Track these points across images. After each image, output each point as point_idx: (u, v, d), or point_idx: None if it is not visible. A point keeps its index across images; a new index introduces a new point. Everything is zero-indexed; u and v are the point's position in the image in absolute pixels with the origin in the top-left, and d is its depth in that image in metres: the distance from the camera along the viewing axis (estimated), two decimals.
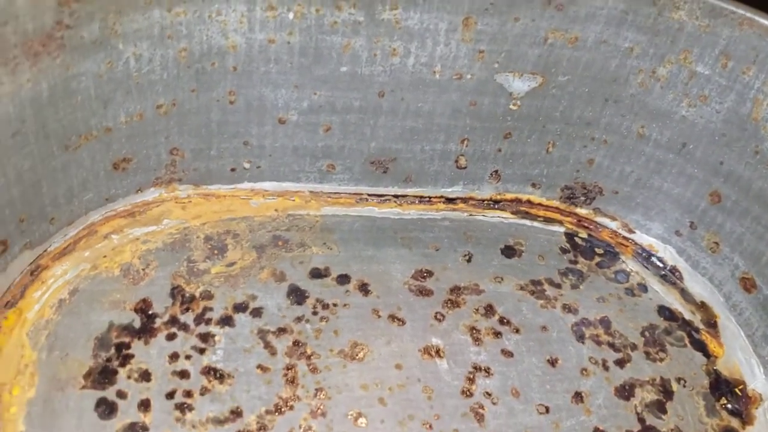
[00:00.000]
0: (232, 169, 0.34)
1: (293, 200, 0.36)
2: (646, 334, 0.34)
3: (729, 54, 0.30)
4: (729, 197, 0.33)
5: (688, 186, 0.34)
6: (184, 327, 0.30)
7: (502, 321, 0.33)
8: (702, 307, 0.35)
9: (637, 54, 0.31)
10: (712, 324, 0.35)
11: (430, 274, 0.34)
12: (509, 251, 0.36)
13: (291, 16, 0.29)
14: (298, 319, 0.32)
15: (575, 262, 0.36)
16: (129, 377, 0.29)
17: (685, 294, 0.36)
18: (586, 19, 0.31)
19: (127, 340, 0.30)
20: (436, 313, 0.33)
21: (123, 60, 0.28)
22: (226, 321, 0.31)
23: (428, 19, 0.30)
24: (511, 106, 0.34)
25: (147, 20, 0.27)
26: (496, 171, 0.36)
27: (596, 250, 0.37)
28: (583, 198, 0.37)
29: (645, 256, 0.37)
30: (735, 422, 0.32)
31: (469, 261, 0.35)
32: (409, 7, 0.30)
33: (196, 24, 0.28)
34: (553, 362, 0.32)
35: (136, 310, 0.31)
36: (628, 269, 0.36)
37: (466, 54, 0.31)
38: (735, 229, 0.33)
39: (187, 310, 0.31)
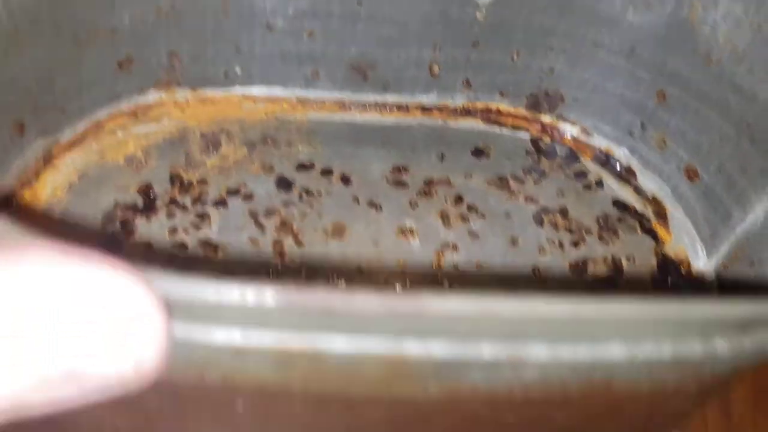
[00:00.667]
0: (225, 74, 0.37)
1: (282, 106, 0.39)
2: (601, 221, 0.37)
3: None
4: (672, 95, 0.36)
5: (638, 88, 0.37)
6: (183, 207, 0.34)
7: (470, 208, 0.37)
8: (653, 201, 0.38)
9: None
10: (662, 215, 0.38)
11: (405, 169, 0.38)
12: (478, 153, 0.40)
13: None
14: (286, 204, 0.35)
15: (538, 163, 0.40)
16: (132, 248, 0.32)
17: (638, 190, 0.39)
18: None
19: (130, 216, 0.33)
20: (411, 201, 0.36)
21: None
22: (221, 203, 0.34)
23: None
24: (478, 15, 0.37)
25: None
26: (467, 79, 0.40)
27: (558, 152, 0.40)
28: (546, 105, 0.40)
29: (602, 158, 0.40)
30: None
31: (441, 160, 0.39)
32: None
33: None
34: (514, 242, 0.36)
35: (138, 192, 0.34)
36: (586, 169, 0.40)
37: None
38: (679, 125, 0.36)
39: (186, 192, 0.34)
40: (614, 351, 0.19)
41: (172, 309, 0.14)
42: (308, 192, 0.36)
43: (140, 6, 0.33)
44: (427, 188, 0.37)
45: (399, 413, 0.21)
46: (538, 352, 0.19)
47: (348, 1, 0.35)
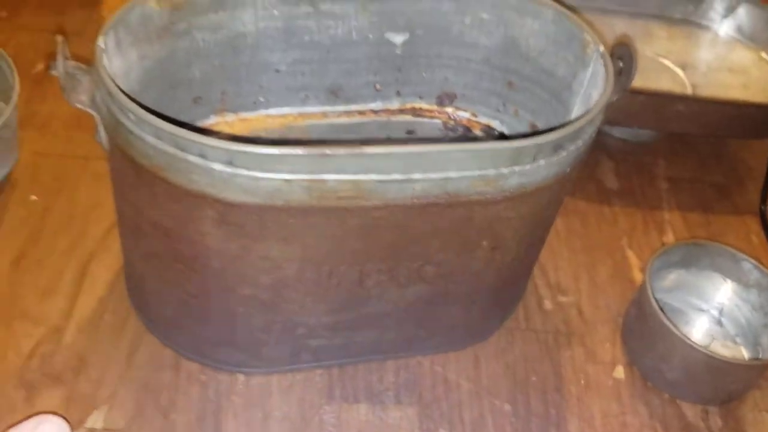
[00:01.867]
0: (254, 103, 0.62)
1: (288, 118, 0.64)
2: None
3: (495, 5, 0.59)
4: (515, 82, 0.61)
5: (496, 82, 0.62)
6: None
7: None
8: None
9: (453, 12, 0.60)
10: None
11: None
12: (410, 133, 0.64)
13: (276, 13, 0.58)
14: None
15: (447, 135, 0.64)
16: None
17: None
18: None
19: None
20: None
21: (197, 41, 0.56)
22: None
23: (344, 6, 0.58)
24: (397, 51, 0.62)
25: (208, 20, 0.55)
26: (398, 91, 0.64)
27: (458, 129, 0.65)
28: (447, 101, 0.65)
29: (486, 129, 0.65)
30: None
31: (388, 139, 0.63)
32: (335, 1, 0.58)
33: (231, 20, 0.56)
34: None
35: None
36: (477, 136, 0.64)
37: (367, 24, 0.60)
38: (521, 100, 0.61)
39: None
40: (453, 174, 0.43)
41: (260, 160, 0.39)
42: None
43: (204, 65, 0.58)
44: None
45: (365, 221, 0.45)
46: (419, 176, 0.43)
47: (321, 51, 0.60)
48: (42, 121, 0.71)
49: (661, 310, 0.56)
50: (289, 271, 0.47)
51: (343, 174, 0.42)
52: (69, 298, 0.57)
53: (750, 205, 0.78)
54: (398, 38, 0.61)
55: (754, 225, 0.76)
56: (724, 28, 0.90)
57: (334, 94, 0.63)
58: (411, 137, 0.63)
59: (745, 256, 0.62)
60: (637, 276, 0.68)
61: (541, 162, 0.45)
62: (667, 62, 0.85)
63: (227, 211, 0.43)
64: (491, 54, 0.61)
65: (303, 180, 0.41)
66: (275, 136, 0.62)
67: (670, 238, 0.72)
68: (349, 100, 0.64)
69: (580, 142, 0.47)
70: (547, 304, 0.64)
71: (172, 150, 0.41)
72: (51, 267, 0.59)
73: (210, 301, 0.49)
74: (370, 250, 0.47)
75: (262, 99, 0.62)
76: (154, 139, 0.41)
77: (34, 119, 0.71)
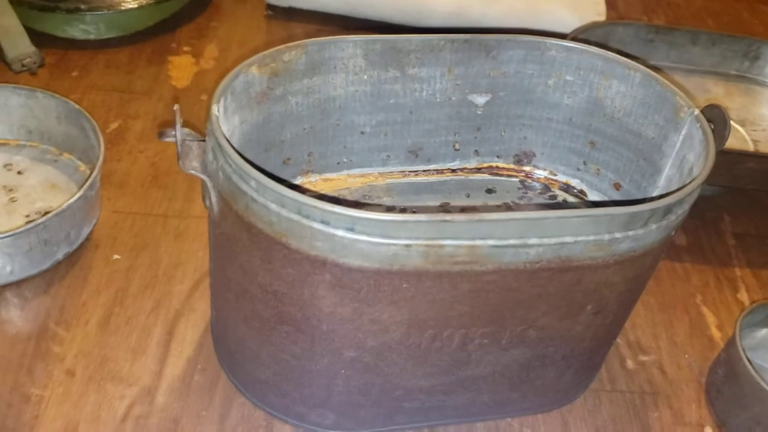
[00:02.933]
0: (338, 163, 0.62)
1: (370, 178, 0.63)
2: None
3: (580, 67, 0.59)
4: (597, 142, 0.61)
5: (578, 141, 0.62)
6: None
7: None
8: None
9: (537, 75, 0.60)
10: None
11: (447, 203, 0.62)
12: (489, 192, 0.64)
13: (365, 77, 0.58)
14: None
15: (526, 194, 0.64)
16: None
17: (588, 204, 0.63)
18: (508, 61, 0.60)
19: None
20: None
21: (291, 104, 0.56)
22: None
23: (431, 70, 0.59)
24: (478, 112, 0.62)
25: (303, 84, 0.56)
26: (476, 150, 0.64)
27: (536, 186, 0.65)
28: (525, 160, 0.65)
29: (564, 187, 0.64)
30: None
31: (468, 197, 0.63)
32: (422, 65, 0.58)
33: (323, 84, 0.57)
34: None
35: None
36: (555, 194, 0.64)
37: (451, 86, 0.60)
38: (604, 159, 0.61)
39: None
40: (568, 239, 0.43)
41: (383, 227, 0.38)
42: None
43: (295, 128, 0.58)
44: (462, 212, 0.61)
45: (475, 285, 0.44)
46: (535, 241, 0.42)
47: (405, 113, 0.61)
48: (120, 179, 0.72)
49: (756, 370, 0.55)
50: (395, 334, 0.46)
51: (460, 240, 0.41)
52: (159, 358, 0.56)
53: None
54: (480, 99, 0.61)
55: None
56: None
57: (414, 154, 0.63)
58: (508, 204, 0.63)
59: None
60: (715, 334, 0.67)
61: (653, 227, 0.44)
62: None
63: (344, 275, 0.42)
64: (574, 114, 0.61)
65: (421, 245, 0.41)
66: (357, 196, 0.62)
67: (744, 295, 0.71)
68: (428, 160, 0.64)
69: (686, 206, 0.46)
70: (630, 364, 0.63)
71: (296, 217, 0.40)
72: (139, 327, 0.58)
73: (313, 363, 0.48)
74: (476, 314, 0.46)
75: (345, 160, 0.62)
76: (278, 206, 0.41)
77: (112, 177, 0.72)
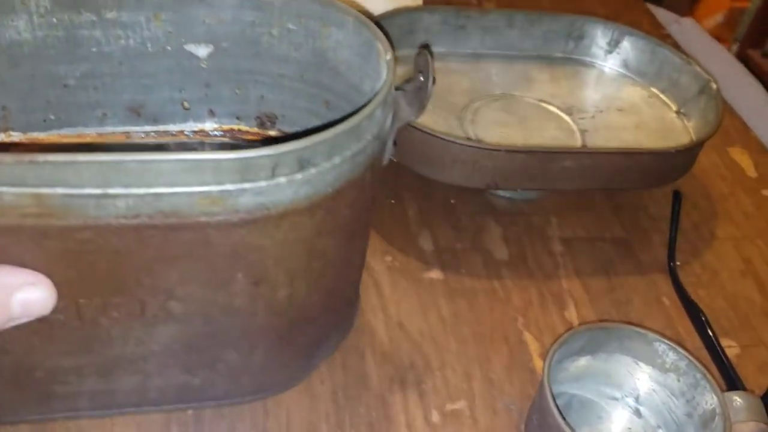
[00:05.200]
0: (44, 121, 0.55)
1: (86, 139, 0.56)
2: None
3: (301, 14, 0.52)
4: (331, 101, 0.54)
5: (313, 101, 0.55)
6: None
7: None
8: None
9: (258, 23, 0.53)
10: None
11: None
12: None
13: (54, 20, 0.50)
14: None
15: None
16: None
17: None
18: (221, 5, 0.52)
19: None
20: None
21: None
22: None
23: (132, 15, 0.51)
24: (202, 65, 0.55)
25: None
26: (211, 110, 0.57)
27: None
28: (269, 122, 0.58)
29: None
30: None
31: None
32: (121, 8, 0.51)
33: (2, 27, 0.49)
34: None
35: None
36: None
37: (163, 34, 0.52)
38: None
39: None
40: (163, 190, 0.35)
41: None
42: None
43: None
44: None
45: (68, 245, 0.37)
46: (119, 191, 0.35)
47: (113, 65, 0.53)
48: None
49: (567, 423, 0.45)
50: None
51: (20, 187, 0.34)
52: None
53: (657, 262, 0.69)
54: (201, 51, 0.54)
55: (664, 285, 0.67)
56: (610, 64, 0.83)
57: (136, 113, 0.56)
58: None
59: (657, 337, 0.51)
60: (538, 364, 0.58)
61: (282, 179, 0.37)
62: (551, 108, 0.78)
63: None
64: (304, 70, 0.54)
65: None
66: None
67: (572, 312, 0.63)
68: (154, 120, 0.57)
69: (337, 159, 0.39)
70: (435, 416, 0.53)
71: None
72: None
73: None
74: (88, 281, 0.39)
75: (53, 117, 0.54)
76: None
77: None
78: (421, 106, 0.45)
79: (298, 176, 0.38)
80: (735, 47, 2.68)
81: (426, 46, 0.44)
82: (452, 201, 0.73)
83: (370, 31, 0.47)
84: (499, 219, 0.71)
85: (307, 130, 0.54)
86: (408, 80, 0.45)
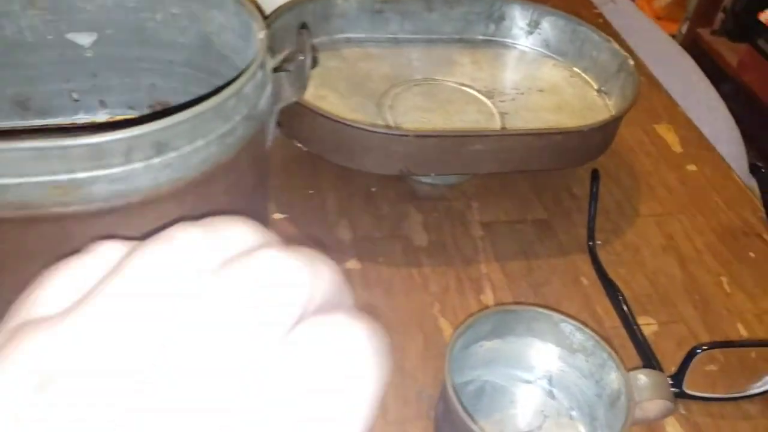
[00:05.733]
0: None
1: None
2: None
3: None
4: (220, 86, 0.52)
5: (202, 86, 0.53)
6: None
7: None
8: None
9: (141, 8, 0.51)
10: None
11: None
12: None
13: None
14: None
15: None
16: None
17: None
18: None
19: None
20: None
21: None
22: None
23: (3, 3, 0.49)
24: (87, 54, 0.53)
25: None
26: (101, 101, 0.55)
27: None
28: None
29: None
30: None
31: None
32: None
33: None
34: None
35: None
36: None
37: (41, 23, 0.50)
38: None
39: None
40: (10, 180, 0.33)
41: None
42: None
43: None
44: None
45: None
46: None
47: None
48: None
49: (465, 409, 0.43)
50: None
51: None
52: None
53: (577, 242, 0.68)
54: (84, 39, 0.52)
55: (583, 265, 0.66)
56: (531, 44, 0.82)
57: (22, 106, 0.54)
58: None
59: (563, 317, 0.50)
60: None
61: (137, 164, 0.35)
62: (472, 91, 0.76)
63: None
64: (191, 55, 0.52)
65: None
66: None
67: (488, 295, 0.62)
68: (43, 113, 0.54)
69: (200, 142, 0.38)
70: None
71: None
72: None
73: None
74: None
75: None
76: None
77: None
78: (301, 86, 0.43)
79: (156, 160, 0.36)
80: (685, 26, 2.71)
81: (304, 26, 0.43)
82: (373, 189, 0.71)
83: (246, 11, 0.45)
84: (420, 205, 0.70)
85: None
86: (287, 60, 0.44)
